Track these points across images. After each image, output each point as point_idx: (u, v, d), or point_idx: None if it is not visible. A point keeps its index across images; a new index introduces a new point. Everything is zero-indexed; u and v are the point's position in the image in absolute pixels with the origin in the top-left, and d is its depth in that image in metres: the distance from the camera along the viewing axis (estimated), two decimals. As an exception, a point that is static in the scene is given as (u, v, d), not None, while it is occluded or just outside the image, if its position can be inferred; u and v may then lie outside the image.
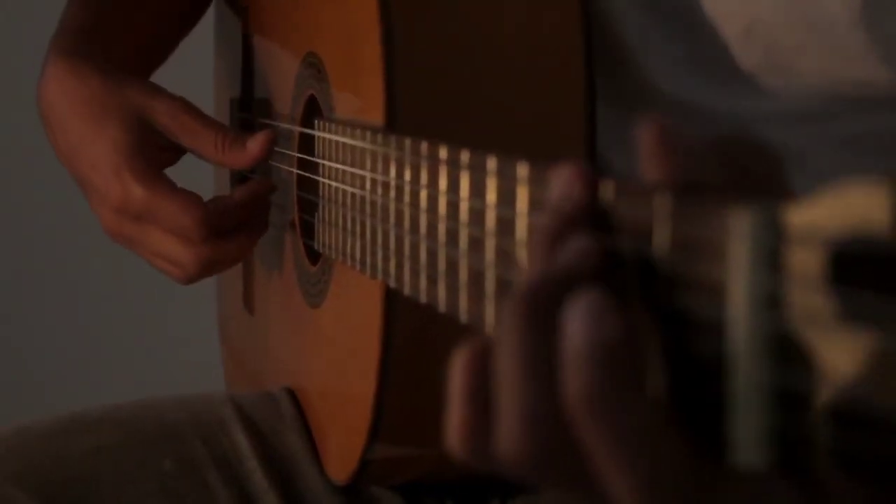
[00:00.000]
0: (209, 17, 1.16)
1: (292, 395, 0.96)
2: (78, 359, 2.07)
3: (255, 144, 0.93)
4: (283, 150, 0.96)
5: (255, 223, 0.95)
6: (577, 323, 0.42)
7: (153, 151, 0.93)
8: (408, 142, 0.66)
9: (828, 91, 0.78)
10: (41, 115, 0.97)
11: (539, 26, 0.77)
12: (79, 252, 1.93)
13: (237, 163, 0.94)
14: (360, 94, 0.80)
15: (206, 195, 0.97)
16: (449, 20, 0.77)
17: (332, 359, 0.89)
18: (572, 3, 0.77)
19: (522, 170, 0.53)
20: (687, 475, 0.43)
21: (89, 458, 0.90)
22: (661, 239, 0.43)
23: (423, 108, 0.76)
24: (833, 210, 0.37)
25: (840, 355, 0.37)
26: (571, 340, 0.43)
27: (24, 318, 2.09)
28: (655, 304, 0.43)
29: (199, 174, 1.08)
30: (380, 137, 0.71)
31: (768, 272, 0.38)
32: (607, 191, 0.46)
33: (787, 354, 0.38)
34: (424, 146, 0.64)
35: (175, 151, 0.95)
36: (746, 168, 0.43)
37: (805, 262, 0.37)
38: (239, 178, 1.08)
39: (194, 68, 1.15)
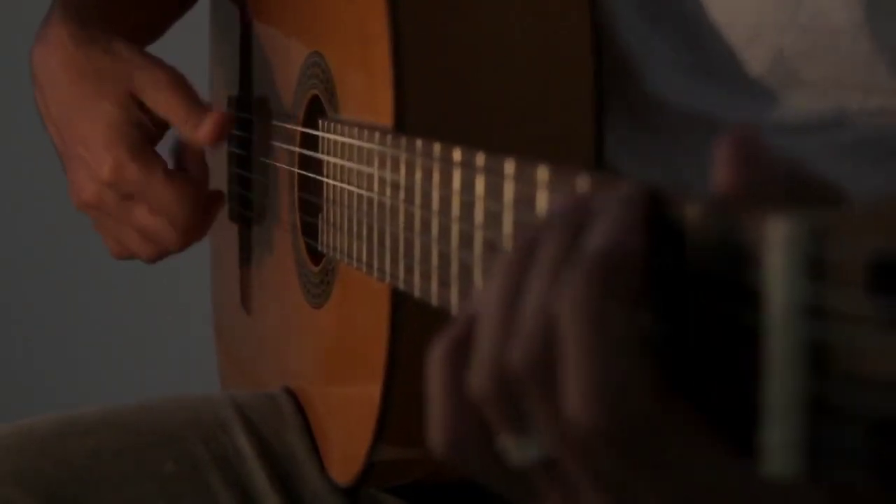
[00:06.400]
0: (206, 13, 1.15)
1: (292, 395, 0.95)
2: (77, 359, 2.06)
3: (209, 121, 0.93)
4: (283, 146, 0.95)
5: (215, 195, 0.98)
6: (603, 227, 0.44)
7: (145, 126, 0.94)
8: (419, 143, 0.66)
9: (835, 98, 0.78)
10: (33, 73, 0.97)
11: (548, 28, 0.77)
12: (78, 252, 1.91)
13: (195, 137, 0.93)
14: (367, 95, 0.79)
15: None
16: (458, 23, 0.76)
17: (336, 360, 0.88)
18: (581, 5, 0.77)
19: (542, 174, 0.52)
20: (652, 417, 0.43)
21: (89, 459, 0.89)
22: (697, 243, 0.42)
23: (431, 111, 0.75)
24: (873, 218, 0.37)
25: (880, 365, 0.36)
26: (594, 241, 0.44)
27: (24, 318, 2.08)
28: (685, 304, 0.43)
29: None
30: (389, 138, 0.71)
31: (807, 280, 0.38)
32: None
33: (825, 363, 0.38)
34: (437, 148, 0.64)
35: (163, 125, 0.96)
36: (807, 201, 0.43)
37: (845, 270, 0.37)
38: (238, 167, 1.07)
39: (191, 66, 1.14)
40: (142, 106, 0.94)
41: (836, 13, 0.75)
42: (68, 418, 0.93)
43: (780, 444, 0.39)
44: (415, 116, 0.74)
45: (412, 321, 0.76)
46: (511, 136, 0.76)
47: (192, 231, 0.95)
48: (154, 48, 1.07)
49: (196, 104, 0.94)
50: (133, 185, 0.92)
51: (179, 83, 0.94)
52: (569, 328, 0.44)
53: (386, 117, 0.75)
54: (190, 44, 1.19)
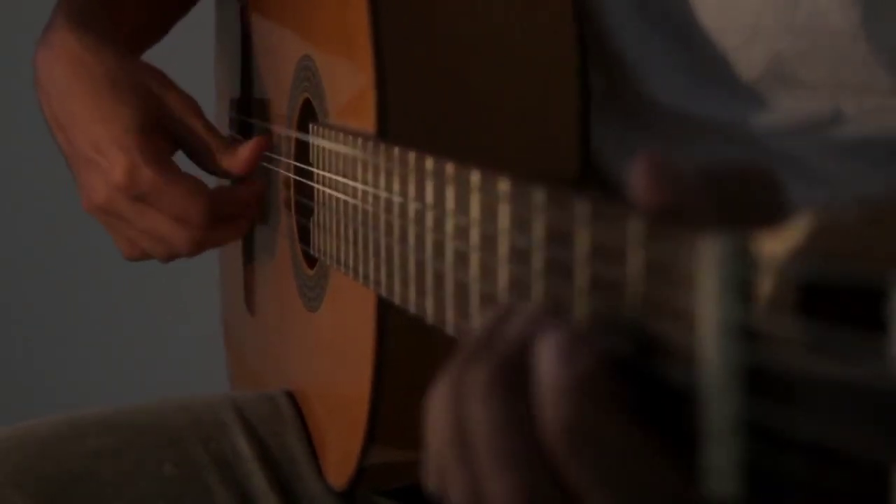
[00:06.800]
0: (210, 16, 1.15)
1: (292, 397, 0.95)
2: (77, 360, 2.07)
3: (245, 151, 0.95)
4: (279, 157, 0.96)
5: (249, 213, 0.97)
6: (547, 363, 0.43)
7: (160, 137, 0.94)
8: (396, 151, 0.66)
9: (832, 99, 0.78)
10: (36, 76, 0.98)
11: (531, 33, 0.76)
12: (78, 252, 1.92)
13: (230, 169, 0.95)
14: (351, 99, 0.79)
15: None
16: (441, 26, 0.76)
17: (329, 363, 0.88)
18: (565, 8, 0.77)
19: (504, 185, 0.52)
20: (675, 496, 0.43)
21: (89, 460, 0.90)
22: (635, 264, 0.42)
23: (414, 115, 0.75)
24: (802, 238, 0.36)
25: (811, 389, 0.36)
26: (544, 379, 0.43)
27: (24, 318, 2.09)
28: (627, 333, 0.43)
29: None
30: (370, 146, 0.70)
31: (738, 302, 0.38)
32: (584, 211, 0.46)
33: (759, 386, 0.38)
34: (412, 157, 0.63)
35: (174, 144, 0.96)
36: (741, 196, 0.43)
37: (775, 292, 0.37)
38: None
39: (195, 68, 1.15)
40: (160, 117, 0.94)
41: (833, 15, 0.75)
42: (68, 420, 0.93)
43: (719, 466, 0.39)
44: (397, 121, 0.74)
45: (399, 325, 0.76)
46: (496, 139, 0.76)
47: (205, 236, 0.95)
48: (161, 49, 1.07)
49: (222, 136, 0.96)
50: (146, 187, 0.92)
51: (202, 112, 0.96)
52: (573, 463, 0.43)
53: (369, 122, 0.75)
54: (196, 44, 1.19)
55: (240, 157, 0.95)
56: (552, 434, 0.43)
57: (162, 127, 0.94)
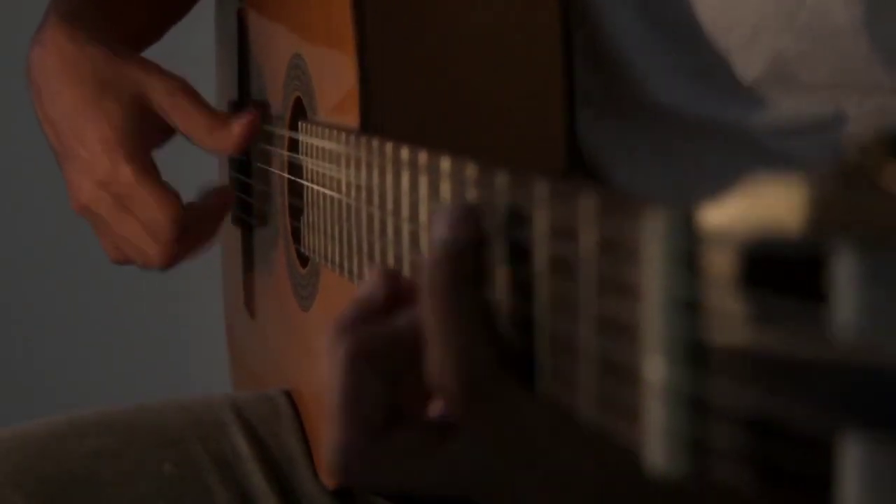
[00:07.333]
0: (210, 17, 1.16)
1: (290, 397, 0.96)
2: (77, 360, 2.07)
3: (238, 126, 0.93)
4: (276, 152, 0.96)
5: (215, 226, 0.98)
6: (437, 225, 0.52)
7: (146, 131, 0.94)
8: (375, 143, 0.66)
9: (833, 99, 0.78)
10: (29, 74, 0.98)
11: (516, 27, 0.77)
12: (78, 252, 1.92)
13: (224, 146, 0.93)
14: (337, 96, 0.79)
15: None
16: (425, 23, 0.76)
17: (322, 361, 0.88)
18: (552, 5, 0.77)
19: (472, 171, 0.52)
20: (491, 376, 0.51)
21: (88, 460, 0.90)
22: (587, 240, 0.42)
23: (398, 112, 0.75)
24: (747, 211, 0.36)
25: (752, 360, 0.36)
26: (432, 240, 0.52)
27: (24, 318, 2.09)
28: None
29: (203, 163, 1.08)
30: (351, 139, 0.71)
31: (683, 274, 0.37)
32: (542, 191, 0.46)
33: (702, 359, 0.37)
34: (389, 147, 0.64)
35: (167, 132, 0.96)
36: None
37: (719, 265, 0.37)
38: (237, 167, 1.08)
39: (195, 69, 1.15)
40: (145, 111, 0.94)
41: (835, 12, 0.74)
42: (68, 420, 0.93)
43: (662, 440, 0.39)
44: (381, 117, 0.74)
45: None
46: (480, 133, 0.76)
47: (174, 250, 0.94)
48: (161, 49, 1.07)
49: (214, 112, 0.94)
50: (124, 187, 0.93)
51: (191, 90, 0.94)
52: (425, 306, 0.52)
53: (353, 119, 0.75)
54: (196, 45, 1.19)
55: (233, 134, 0.94)
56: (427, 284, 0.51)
57: (149, 119, 0.94)
